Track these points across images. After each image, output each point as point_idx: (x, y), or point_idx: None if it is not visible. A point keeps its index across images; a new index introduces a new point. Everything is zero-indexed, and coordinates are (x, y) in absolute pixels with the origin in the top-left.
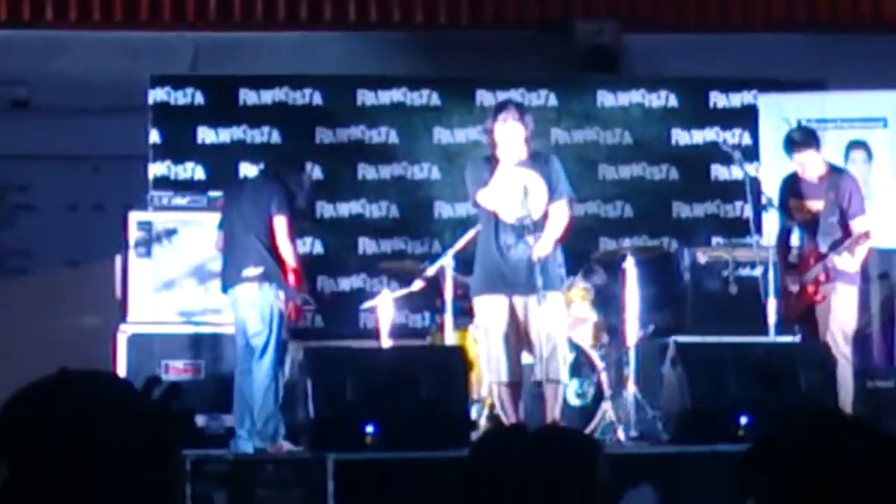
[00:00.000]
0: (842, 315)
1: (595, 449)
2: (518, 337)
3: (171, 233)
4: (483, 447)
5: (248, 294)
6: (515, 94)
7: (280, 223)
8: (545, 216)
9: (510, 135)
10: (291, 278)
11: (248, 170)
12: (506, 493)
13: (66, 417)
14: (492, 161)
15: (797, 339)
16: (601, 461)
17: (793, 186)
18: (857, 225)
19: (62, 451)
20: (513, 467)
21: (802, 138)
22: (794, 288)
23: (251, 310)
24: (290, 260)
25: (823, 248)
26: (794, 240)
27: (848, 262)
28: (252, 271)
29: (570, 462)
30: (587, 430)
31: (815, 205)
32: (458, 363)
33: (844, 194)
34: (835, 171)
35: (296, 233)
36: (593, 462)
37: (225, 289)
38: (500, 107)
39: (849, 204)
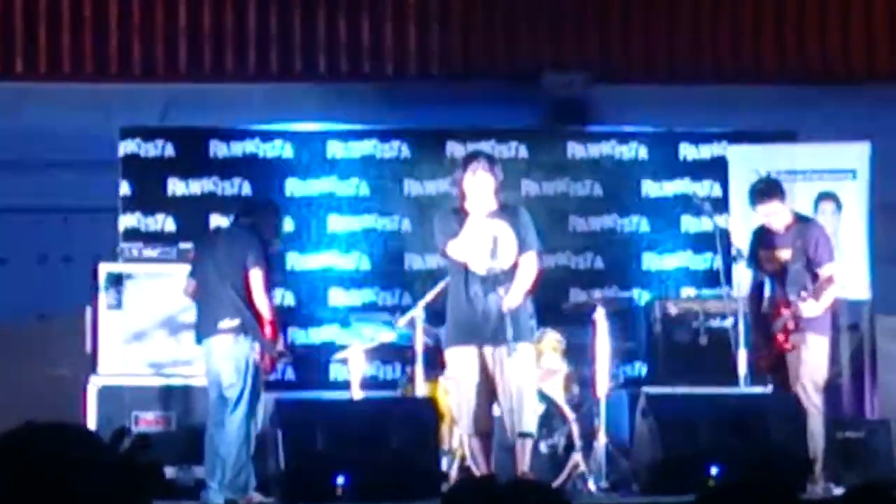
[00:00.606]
0: (812, 365)
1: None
2: (489, 388)
3: (141, 284)
4: (453, 498)
5: (223, 346)
6: (486, 146)
7: (256, 276)
8: (514, 267)
9: (480, 186)
10: (268, 330)
11: (218, 221)
12: None
13: (32, 470)
14: (460, 212)
15: (768, 389)
16: None
17: (762, 238)
18: (824, 272)
19: (30, 502)
20: None
21: (766, 189)
22: (765, 339)
23: (226, 362)
24: (265, 312)
25: (792, 297)
26: (767, 291)
27: (813, 307)
28: (228, 323)
29: None
30: (558, 481)
31: (783, 254)
32: (429, 414)
33: (811, 242)
34: (801, 220)
35: (271, 285)
36: None
37: (199, 340)
38: (470, 157)
39: (815, 251)
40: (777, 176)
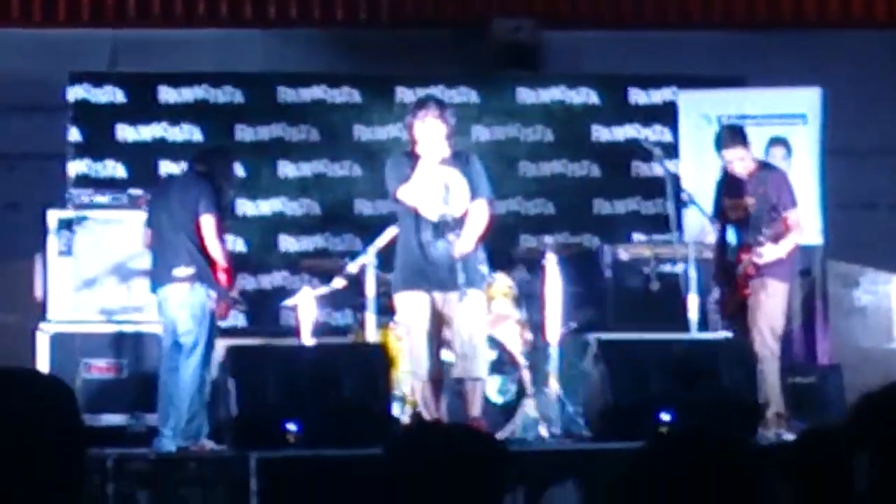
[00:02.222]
0: (770, 310)
1: (505, 457)
2: (439, 334)
3: (91, 231)
4: (396, 444)
5: (178, 294)
6: (435, 91)
7: (208, 222)
8: (465, 215)
9: (431, 132)
10: (222, 277)
11: (168, 167)
12: (419, 489)
13: None
14: (412, 157)
15: (719, 335)
16: (512, 468)
17: (726, 186)
18: (787, 217)
19: None
20: (425, 465)
21: (731, 135)
22: (728, 286)
23: (182, 309)
24: (219, 259)
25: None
26: (732, 239)
27: (772, 251)
28: (183, 271)
29: (479, 467)
30: (510, 428)
31: (748, 201)
32: (379, 361)
33: (773, 188)
34: (764, 167)
35: (223, 231)
36: (503, 469)
37: (154, 288)
38: (421, 103)
39: (778, 197)
40: (728, 121)
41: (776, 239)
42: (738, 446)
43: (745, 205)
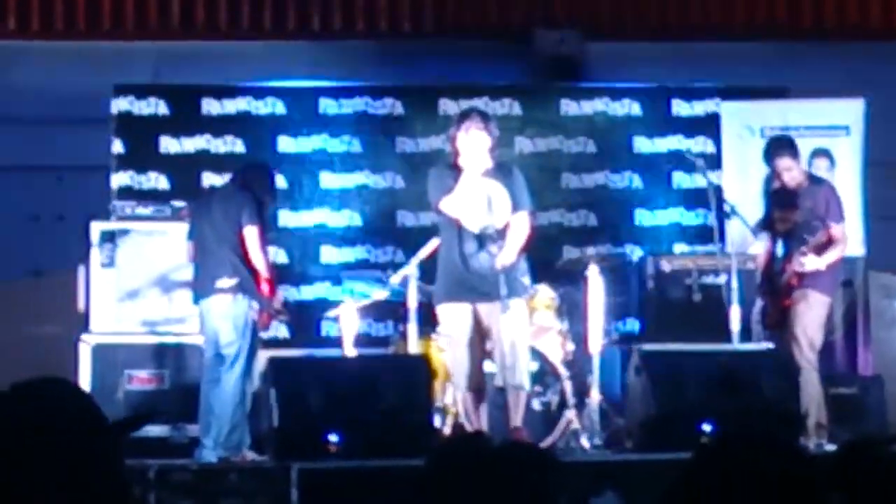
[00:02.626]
0: (809, 321)
1: (549, 465)
2: (481, 345)
3: (134, 242)
4: (439, 455)
5: (221, 305)
6: (479, 103)
7: (251, 234)
8: (507, 227)
9: (474, 143)
10: (265, 288)
11: (211, 179)
12: (461, 499)
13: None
14: (455, 169)
15: (761, 346)
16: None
17: (776, 198)
18: (832, 231)
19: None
20: (468, 476)
21: (781, 145)
22: (772, 297)
23: (224, 321)
24: (262, 270)
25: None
26: (780, 251)
27: (814, 262)
28: (226, 282)
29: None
30: (551, 438)
31: (796, 215)
32: (421, 371)
33: (821, 202)
34: (813, 181)
35: (266, 242)
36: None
37: (197, 300)
38: (464, 115)
39: (826, 211)
40: (771, 132)
41: (819, 250)
42: (795, 452)
43: (793, 218)
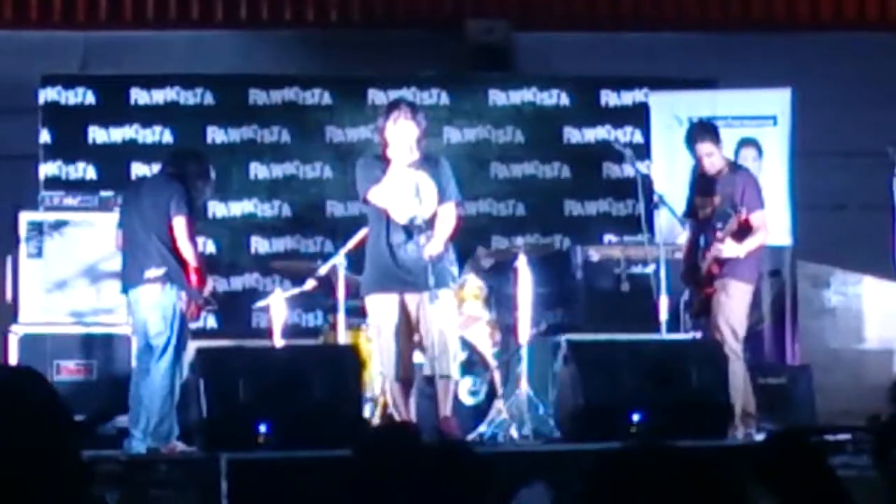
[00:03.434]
0: (731, 311)
1: (475, 459)
2: (410, 335)
3: (62, 233)
4: (367, 446)
5: (150, 295)
6: (407, 93)
7: (180, 224)
8: (434, 217)
9: (402, 134)
10: (194, 278)
11: (139, 169)
12: (389, 489)
13: None
14: (383, 160)
15: (689, 336)
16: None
17: (697, 184)
18: (752, 219)
19: None
20: (396, 466)
21: (702, 131)
22: (694, 284)
23: (153, 311)
24: (191, 260)
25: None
26: (702, 239)
27: (732, 248)
28: (154, 272)
29: (450, 470)
30: (480, 429)
31: (714, 201)
32: (350, 362)
33: (738, 189)
34: (732, 168)
35: (195, 233)
36: (473, 471)
37: (126, 289)
38: (392, 106)
39: (742, 199)
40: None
41: (738, 237)
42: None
43: (712, 204)
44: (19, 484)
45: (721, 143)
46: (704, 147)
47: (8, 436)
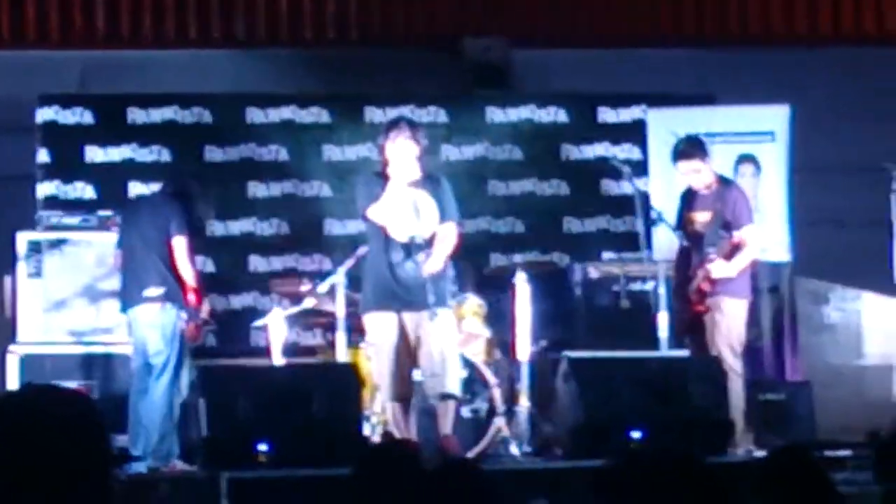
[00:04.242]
0: (728, 329)
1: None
2: (409, 353)
3: (61, 252)
4: (367, 464)
5: (149, 314)
6: (405, 111)
7: (179, 243)
8: (433, 236)
9: (402, 153)
10: (192, 298)
11: (137, 188)
12: None
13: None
14: (383, 177)
15: (687, 353)
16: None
17: (687, 200)
18: (741, 234)
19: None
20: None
21: (688, 147)
22: (682, 301)
23: (152, 330)
24: (189, 280)
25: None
26: (693, 255)
27: (723, 268)
28: (153, 291)
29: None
30: (481, 446)
31: (703, 216)
32: (350, 380)
33: (729, 204)
34: (723, 183)
35: (194, 252)
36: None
37: (125, 308)
38: (393, 124)
39: (733, 214)
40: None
41: (727, 256)
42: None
43: (701, 219)
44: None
45: (709, 158)
46: (691, 164)
47: (60, 461)
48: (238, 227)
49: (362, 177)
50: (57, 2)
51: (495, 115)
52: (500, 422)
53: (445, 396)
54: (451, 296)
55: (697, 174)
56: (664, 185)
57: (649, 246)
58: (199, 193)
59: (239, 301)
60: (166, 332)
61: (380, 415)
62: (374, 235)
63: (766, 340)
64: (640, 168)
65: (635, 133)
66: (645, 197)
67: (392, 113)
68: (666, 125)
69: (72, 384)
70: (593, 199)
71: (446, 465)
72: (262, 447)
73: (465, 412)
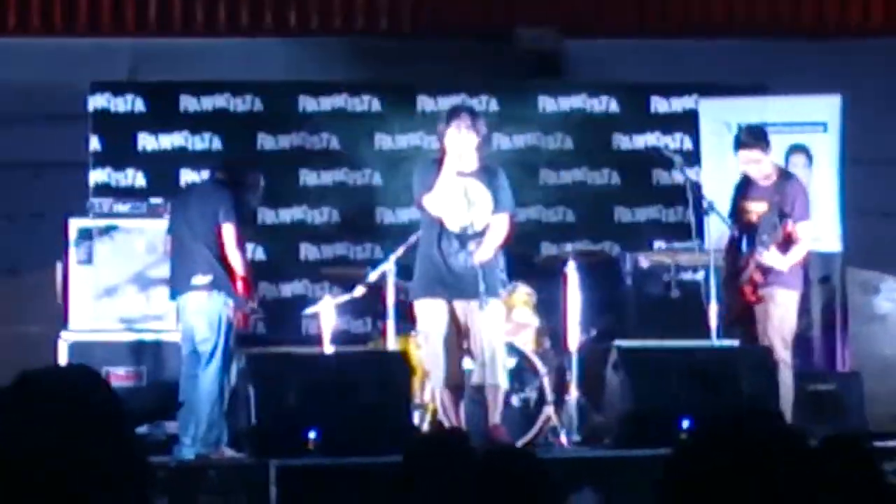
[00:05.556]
0: (779, 320)
1: (532, 467)
2: (459, 342)
3: (112, 239)
4: (417, 452)
5: (197, 302)
6: (456, 100)
7: (228, 231)
8: (486, 227)
9: (462, 142)
10: (240, 286)
11: (188, 176)
12: (439, 496)
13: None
14: (440, 165)
15: (737, 343)
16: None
17: (743, 189)
18: (798, 229)
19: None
20: (446, 473)
21: (749, 137)
22: (733, 291)
23: (200, 317)
24: (238, 268)
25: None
26: (745, 244)
27: (777, 259)
28: (201, 279)
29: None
30: (530, 435)
31: (760, 206)
32: (399, 368)
33: (788, 198)
34: (783, 176)
35: (243, 240)
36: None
37: (174, 296)
38: (453, 112)
39: (792, 208)
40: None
41: (781, 247)
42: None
43: (758, 210)
44: (80, 484)
45: (770, 149)
46: (752, 154)
47: (69, 436)
48: (289, 214)
49: (420, 164)
50: None
51: (547, 104)
52: (549, 411)
53: (494, 386)
54: (501, 285)
55: (757, 164)
56: (715, 174)
57: (700, 236)
58: (246, 180)
59: (290, 289)
60: (213, 320)
61: (429, 403)
62: (427, 224)
63: (816, 331)
64: (692, 158)
65: (687, 123)
66: (696, 187)
67: (444, 102)
68: (718, 115)
69: (121, 371)
70: (644, 188)
71: (499, 449)
72: (311, 435)
73: (515, 401)
